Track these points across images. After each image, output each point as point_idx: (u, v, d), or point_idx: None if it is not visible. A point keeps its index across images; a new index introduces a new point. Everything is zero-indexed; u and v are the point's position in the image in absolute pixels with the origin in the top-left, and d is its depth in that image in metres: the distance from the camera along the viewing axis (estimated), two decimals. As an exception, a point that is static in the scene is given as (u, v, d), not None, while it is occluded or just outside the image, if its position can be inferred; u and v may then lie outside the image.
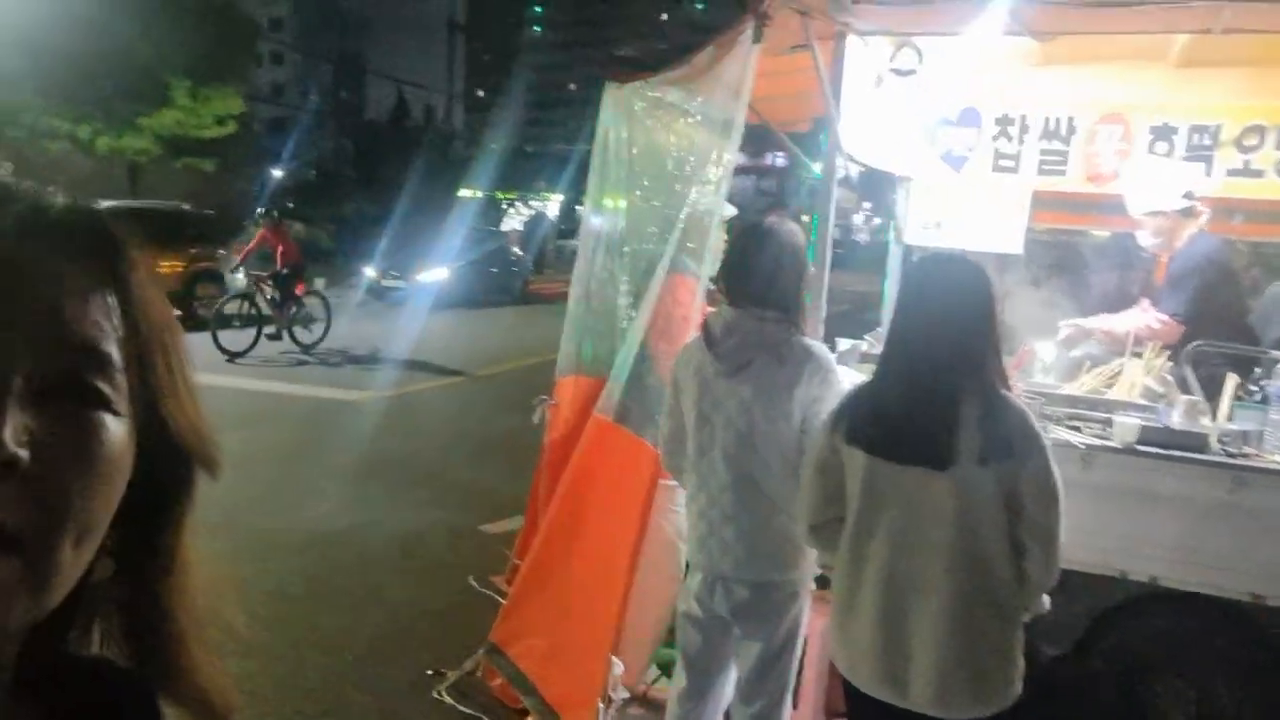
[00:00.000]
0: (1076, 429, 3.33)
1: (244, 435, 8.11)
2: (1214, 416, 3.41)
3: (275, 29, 73.66)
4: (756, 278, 2.53)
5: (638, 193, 3.80)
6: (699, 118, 3.30)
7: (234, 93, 20.53)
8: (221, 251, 16.21)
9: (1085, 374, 3.83)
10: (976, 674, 2.11)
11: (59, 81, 17.01)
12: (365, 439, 8.13)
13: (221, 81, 20.14)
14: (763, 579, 2.55)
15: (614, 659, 3.05)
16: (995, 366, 2.14)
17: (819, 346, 2.55)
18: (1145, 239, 4.26)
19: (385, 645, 4.19)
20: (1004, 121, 4.97)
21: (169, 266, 15.14)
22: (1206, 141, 4.62)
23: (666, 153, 3.52)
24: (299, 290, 12.80)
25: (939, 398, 2.09)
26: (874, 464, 2.16)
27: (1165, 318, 3.95)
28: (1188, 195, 4.14)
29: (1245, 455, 3.10)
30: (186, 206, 16.21)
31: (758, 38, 2.86)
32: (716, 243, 3.04)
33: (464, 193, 34.83)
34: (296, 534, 5.55)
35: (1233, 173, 4.61)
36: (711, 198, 3.04)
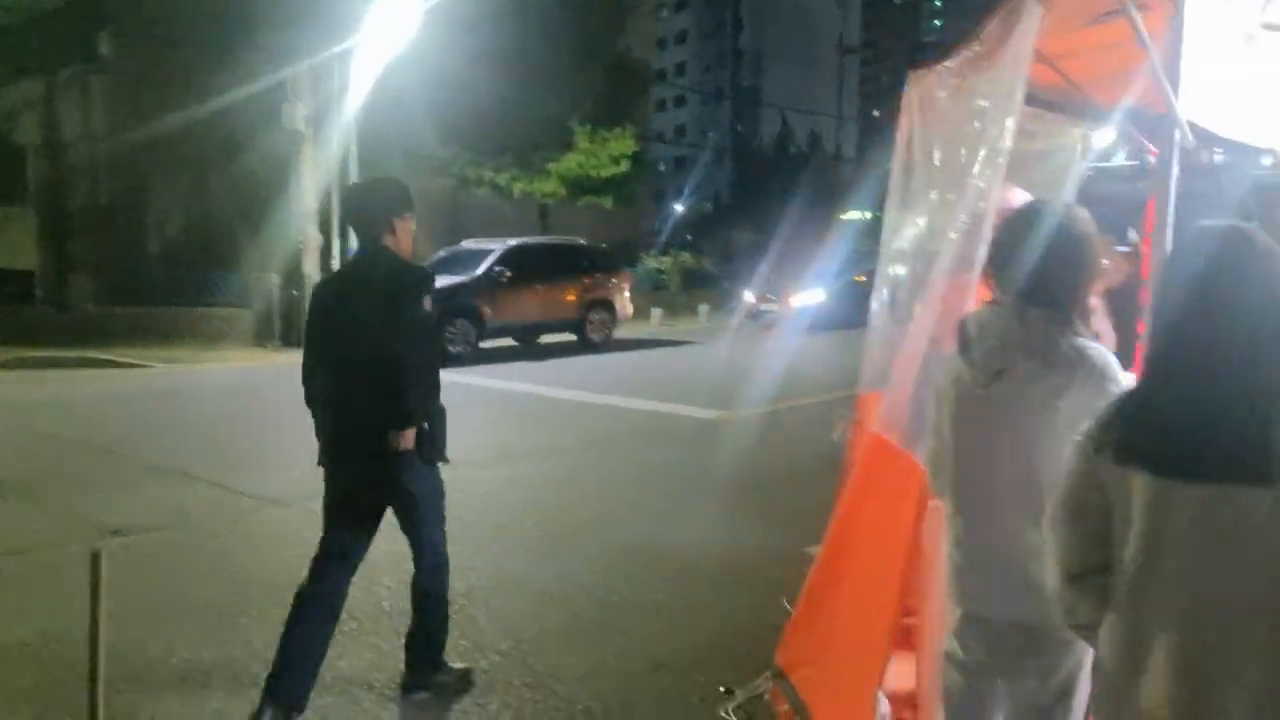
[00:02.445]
0: None
1: (601, 451, 8.65)
2: None
3: (679, 74, 78.80)
4: (1021, 267, 2.18)
5: (935, 192, 3.48)
6: (990, 99, 2.93)
7: (628, 134, 22.19)
8: (614, 281, 17.54)
9: None
10: None
11: (482, 136, 19.49)
12: (715, 457, 8.29)
13: (618, 124, 21.87)
14: (1028, 623, 2.17)
15: (881, 696, 2.78)
16: None
17: (1097, 349, 2.12)
18: None
19: (688, 658, 4.19)
20: None
21: (568, 296, 16.62)
22: None
23: (964, 141, 3.18)
24: None
25: (1251, 391, 1.58)
26: (1160, 487, 1.63)
27: None
28: None
29: None
30: (583, 241, 17.70)
31: (1041, -5, 2.49)
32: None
33: (852, 214, 34.67)
34: (631, 546, 5.78)
35: None
36: (989, 183, 2.68)
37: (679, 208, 48.18)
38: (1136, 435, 1.68)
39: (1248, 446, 1.56)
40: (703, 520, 6.34)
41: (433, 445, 3.60)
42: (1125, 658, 1.70)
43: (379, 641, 4.32)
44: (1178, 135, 3.11)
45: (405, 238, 3.55)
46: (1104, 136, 5.36)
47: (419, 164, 20.40)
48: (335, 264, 17.13)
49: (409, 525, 3.71)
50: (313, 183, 16.45)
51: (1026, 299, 2.16)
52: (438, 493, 3.72)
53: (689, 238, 38.10)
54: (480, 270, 15.18)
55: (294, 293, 16.87)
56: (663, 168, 69.44)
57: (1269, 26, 3.47)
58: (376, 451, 3.46)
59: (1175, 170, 3.15)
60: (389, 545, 5.62)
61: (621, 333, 18.06)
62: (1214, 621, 1.59)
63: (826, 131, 42.60)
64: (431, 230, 21.14)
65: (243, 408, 11.34)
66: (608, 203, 23.72)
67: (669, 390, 12.02)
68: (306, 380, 3.68)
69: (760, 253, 26.53)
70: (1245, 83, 3.65)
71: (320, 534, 3.68)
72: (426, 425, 3.54)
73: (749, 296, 22.03)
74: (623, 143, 21.67)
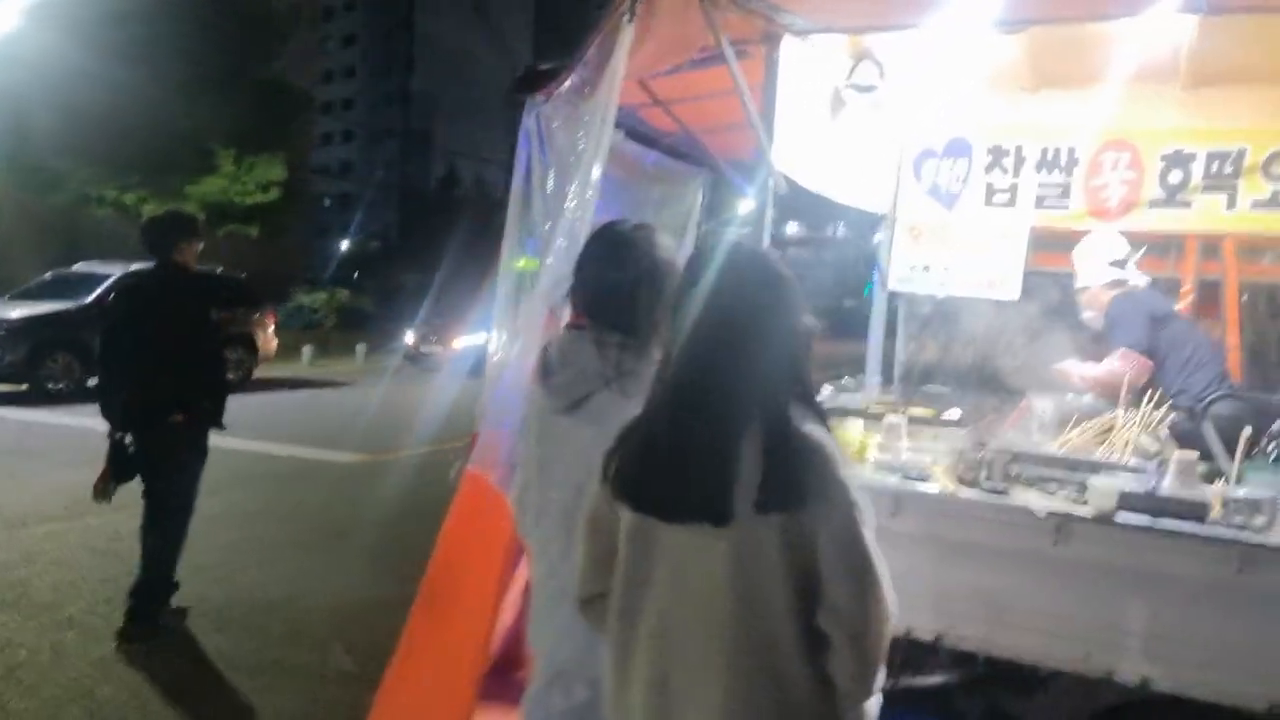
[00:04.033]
0: (1050, 494, 2.75)
1: (216, 499, 7.76)
2: (1225, 479, 2.82)
3: (346, 109, 76.24)
4: (600, 293, 2.05)
5: (550, 223, 3.36)
6: (587, 128, 2.85)
7: (277, 160, 20.84)
8: (255, 316, 16.24)
9: (1071, 430, 3.24)
10: None
11: (104, 150, 17.38)
12: (347, 504, 7.76)
13: (267, 150, 20.48)
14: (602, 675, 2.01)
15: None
16: (791, 390, 1.62)
17: None
18: (1084, 314, 4.09)
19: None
20: (997, 152, 4.46)
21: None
22: (1228, 169, 4.06)
23: (571, 172, 3.08)
24: None
25: (713, 430, 1.58)
26: (641, 522, 1.64)
27: (1125, 351, 3.65)
28: (1115, 264, 3.96)
29: (1254, 528, 2.49)
30: (219, 271, 16.24)
31: (632, 16, 2.44)
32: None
33: (521, 262, 34.91)
34: (226, 602, 5.14)
35: (1259, 204, 4.03)
36: (581, 212, 2.59)
37: (343, 244, 46.42)
38: (624, 470, 1.68)
39: (705, 485, 1.56)
40: (319, 570, 5.83)
41: (216, 415, 4.76)
42: (614, 693, 1.73)
43: None
44: (771, 182, 3.22)
45: (190, 257, 4.64)
46: (746, 204, 5.64)
47: (27, 176, 17.85)
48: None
49: (175, 476, 4.62)
50: None
51: (606, 324, 2.03)
52: (204, 453, 4.78)
53: (355, 276, 36.65)
54: (91, 298, 13.37)
55: None
56: (328, 203, 66.65)
57: (856, 88, 3.75)
58: (168, 421, 4.50)
59: (770, 214, 3.25)
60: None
61: (266, 372, 16.74)
62: (680, 647, 1.62)
63: (495, 178, 42.99)
64: (42, 252, 18.55)
65: None
66: (254, 232, 22.04)
67: (310, 433, 11.21)
68: (107, 363, 4.62)
69: (424, 294, 25.99)
70: (832, 140, 3.91)
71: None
72: (208, 403, 4.69)
73: (409, 338, 21.42)
74: (271, 169, 20.27)
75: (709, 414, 1.59)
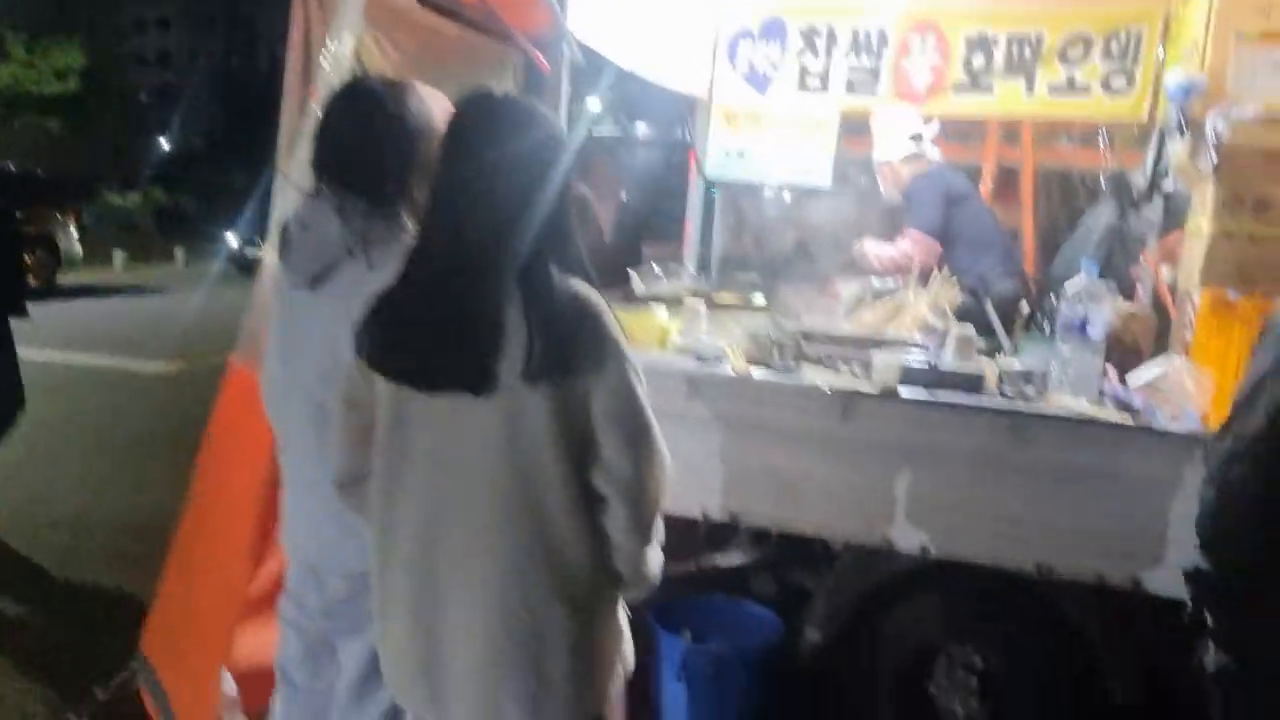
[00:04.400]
0: (838, 372, 2.75)
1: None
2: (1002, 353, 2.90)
3: (163, -8, 70.04)
4: (341, 154, 1.86)
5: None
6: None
7: (74, 46, 18.94)
8: (56, 216, 14.95)
9: (864, 309, 3.27)
10: (541, 681, 1.52)
11: None
12: (152, 413, 7.30)
13: (64, 34, 18.55)
14: (362, 568, 1.89)
15: (226, 674, 2.37)
16: (556, 252, 1.52)
17: None
18: (883, 188, 4.21)
19: (49, 654, 3.44)
20: (810, 34, 4.37)
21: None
22: (1027, 53, 4.09)
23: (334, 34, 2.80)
24: None
25: (471, 294, 1.47)
26: (398, 394, 1.53)
27: (915, 234, 3.79)
28: (914, 138, 4.04)
29: (1026, 397, 2.55)
30: (11, 167, 14.79)
31: None
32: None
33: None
34: (13, 515, 4.79)
35: (1055, 90, 4.09)
36: (337, 79, 2.36)
37: (162, 141, 43.26)
38: (378, 340, 1.55)
39: (464, 353, 1.47)
40: (114, 480, 5.53)
41: (13, 301, 4.60)
42: (378, 575, 1.63)
43: None
44: (567, 51, 3.04)
45: None
46: (593, 104, 5.39)
47: None
48: None
49: None
50: None
51: (349, 189, 1.84)
52: (9, 343, 4.57)
53: (175, 174, 34.20)
54: None
55: None
56: (144, 97, 61.59)
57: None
58: None
59: (566, 86, 3.08)
60: None
61: (74, 278, 15.53)
62: (446, 521, 1.53)
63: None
64: None
65: None
66: (53, 124, 20.08)
67: (118, 341, 10.53)
68: None
69: (251, 194, 24.53)
70: (641, 14, 3.74)
71: None
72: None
73: (233, 241, 20.22)
74: (68, 56, 18.38)
75: (465, 277, 1.48)
